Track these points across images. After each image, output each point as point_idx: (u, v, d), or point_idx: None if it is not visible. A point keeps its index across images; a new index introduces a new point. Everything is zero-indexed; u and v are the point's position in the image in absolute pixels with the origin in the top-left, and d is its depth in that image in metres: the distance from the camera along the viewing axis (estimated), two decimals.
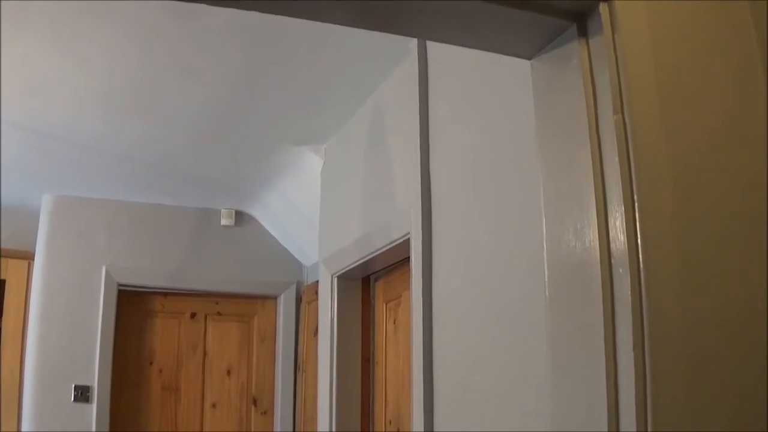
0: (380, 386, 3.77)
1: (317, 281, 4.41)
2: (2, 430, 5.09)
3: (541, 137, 1.83)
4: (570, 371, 1.68)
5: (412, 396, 2.95)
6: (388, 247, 3.32)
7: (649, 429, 1.49)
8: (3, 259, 5.24)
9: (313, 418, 4.46)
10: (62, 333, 5.14)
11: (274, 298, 5.55)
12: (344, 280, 3.97)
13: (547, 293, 1.77)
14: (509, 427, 2.29)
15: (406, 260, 3.29)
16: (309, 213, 4.61)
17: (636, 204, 1.56)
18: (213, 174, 4.89)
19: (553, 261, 1.75)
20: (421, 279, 2.93)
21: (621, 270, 1.56)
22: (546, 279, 1.77)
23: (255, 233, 5.58)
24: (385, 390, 3.69)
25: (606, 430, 1.54)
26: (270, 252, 5.57)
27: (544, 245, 1.78)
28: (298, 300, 5.47)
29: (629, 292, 1.54)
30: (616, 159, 1.59)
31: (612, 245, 1.58)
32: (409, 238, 3.07)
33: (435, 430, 2.81)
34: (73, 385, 5.10)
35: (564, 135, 1.75)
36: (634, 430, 1.49)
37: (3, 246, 5.30)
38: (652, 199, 1.57)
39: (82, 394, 5.09)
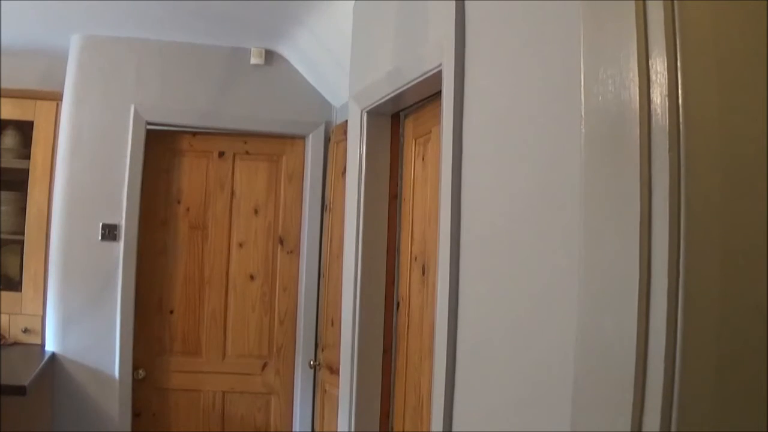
0: (407, 222, 3.73)
1: (346, 121, 4.35)
2: (30, 267, 5.14)
3: None
4: (603, 212, 1.63)
5: (440, 231, 2.91)
6: (420, 79, 3.23)
7: (681, 269, 1.46)
8: (31, 101, 5.19)
9: (339, 256, 4.46)
10: (90, 172, 5.14)
11: (303, 138, 5.48)
12: (374, 115, 3.89)
13: (582, 132, 1.71)
14: (536, 263, 2.23)
15: (437, 95, 3.22)
16: (339, 52, 4.51)
17: (678, 46, 1.49)
18: (243, 11, 4.75)
19: (591, 103, 1.68)
20: (452, 111, 2.85)
21: (660, 116, 1.50)
22: (582, 120, 1.71)
23: (285, 72, 5.47)
24: (412, 226, 3.66)
25: (638, 278, 1.51)
26: (299, 92, 5.48)
27: (582, 86, 1.71)
28: (327, 140, 5.40)
29: (667, 138, 1.48)
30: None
31: (652, 91, 1.52)
32: (441, 70, 2.97)
33: (461, 262, 2.78)
34: (101, 224, 5.12)
35: None
36: (666, 278, 1.46)
37: (31, 87, 5.26)
38: (695, 40, 1.49)
39: (110, 232, 5.12)
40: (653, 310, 1.48)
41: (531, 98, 2.34)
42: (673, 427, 1.44)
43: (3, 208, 5.17)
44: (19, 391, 3.79)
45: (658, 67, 1.51)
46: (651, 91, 1.52)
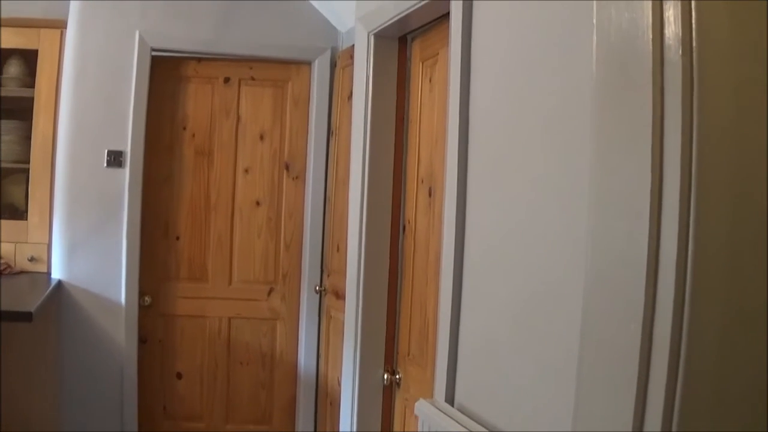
0: (413, 145, 3.72)
1: (353, 46, 4.32)
2: (36, 196, 5.14)
3: None
4: (616, 122, 1.62)
5: (447, 152, 2.91)
6: (427, 0, 3.21)
7: (694, 174, 1.45)
8: (35, 29, 5.16)
9: (345, 182, 4.46)
10: (95, 100, 5.11)
11: (309, 63, 5.42)
12: (381, 38, 3.85)
13: (594, 40, 1.70)
14: (545, 181, 2.23)
15: (445, 17, 3.20)
16: None
17: None
18: None
19: (603, 15, 1.67)
20: (460, 33, 2.82)
21: (672, 25, 1.49)
22: (594, 29, 1.70)
23: None
24: (419, 149, 3.65)
25: (650, 183, 1.50)
26: (305, 17, 5.39)
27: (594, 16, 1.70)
28: (333, 65, 5.35)
29: (680, 44, 1.47)
30: None
31: (665, 28, 1.51)
32: None
33: (469, 183, 2.77)
34: (106, 150, 5.11)
35: None
36: (678, 182, 1.46)
37: (35, 16, 5.21)
38: None
39: (115, 159, 5.11)
40: (665, 215, 1.48)
41: (542, 16, 2.31)
42: (684, 330, 1.45)
43: (8, 137, 5.15)
44: (26, 317, 3.80)
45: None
46: (664, 29, 1.52)
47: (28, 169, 5.15)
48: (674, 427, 1.48)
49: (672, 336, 1.46)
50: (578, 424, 1.73)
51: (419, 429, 2.84)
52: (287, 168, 5.45)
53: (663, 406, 1.48)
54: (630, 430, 1.55)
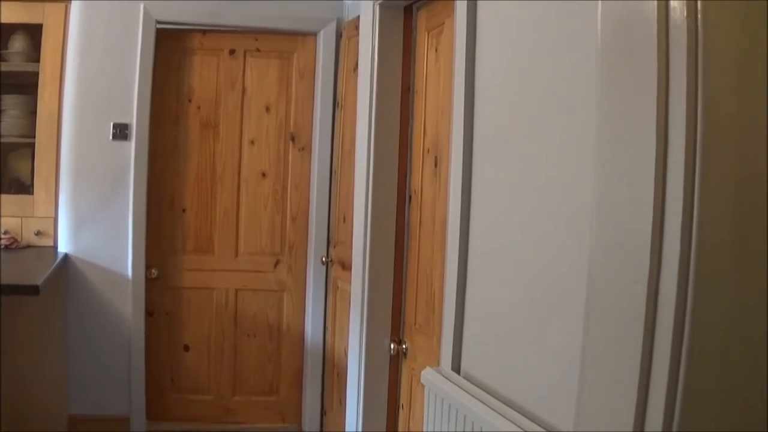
0: (419, 115, 3.72)
1: (358, 17, 4.30)
2: (42, 170, 5.13)
3: None
4: (621, 94, 1.61)
5: (453, 122, 2.90)
6: None
7: (699, 139, 1.45)
8: (40, 3, 5.13)
9: (351, 153, 4.46)
10: (100, 73, 5.11)
11: (314, 34, 5.40)
12: (386, 8, 3.84)
13: (599, 9, 1.70)
14: (551, 150, 2.22)
15: None
16: None
17: None
18: None
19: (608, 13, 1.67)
20: (465, 1, 2.83)
21: (678, 10, 1.48)
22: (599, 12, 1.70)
23: None
24: (424, 118, 3.64)
25: (654, 150, 1.50)
26: None
27: None
28: (338, 36, 5.33)
29: (685, 9, 1.46)
30: None
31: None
32: None
33: (474, 152, 2.77)
34: (112, 123, 5.11)
35: None
36: (683, 152, 1.45)
37: None
38: None
39: (121, 131, 5.11)
40: (670, 181, 1.48)
41: None
42: (689, 299, 1.45)
43: (14, 111, 5.15)
44: (32, 290, 3.81)
45: None
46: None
47: (34, 144, 5.14)
48: (678, 402, 1.49)
49: (677, 300, 1.46)
50: (584, 389, 1.73)
51: (426, 397, 2.85)
52: (293, 139, 5.45)
53: (668, 376, 1.49)
54: (634, 400, 1.55)
